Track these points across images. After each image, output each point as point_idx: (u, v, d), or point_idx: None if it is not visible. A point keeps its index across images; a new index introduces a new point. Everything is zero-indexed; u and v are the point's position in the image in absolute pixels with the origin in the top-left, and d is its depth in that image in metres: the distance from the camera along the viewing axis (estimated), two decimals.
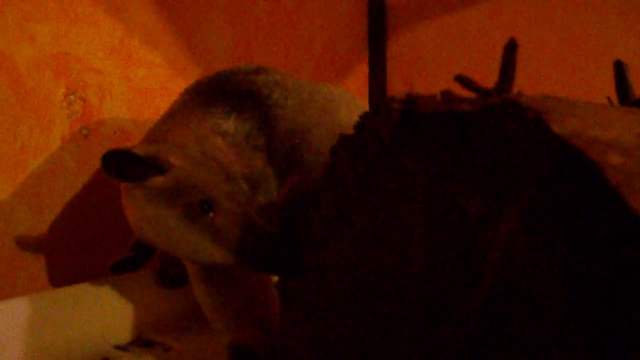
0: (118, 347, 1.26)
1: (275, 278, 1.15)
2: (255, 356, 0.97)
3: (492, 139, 0.62)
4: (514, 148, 0.61)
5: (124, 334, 1.29)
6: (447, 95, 0.71)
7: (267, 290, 1.13)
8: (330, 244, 0.84)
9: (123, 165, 0.92)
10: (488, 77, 0.77)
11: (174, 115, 1.13)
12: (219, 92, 1.11)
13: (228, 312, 1.09)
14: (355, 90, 2.12)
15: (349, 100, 1.20)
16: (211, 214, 0.92)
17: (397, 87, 2.17)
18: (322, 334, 0.85)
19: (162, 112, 1.62)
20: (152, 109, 1.58)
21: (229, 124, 1.07)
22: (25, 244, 1.37)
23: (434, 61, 2.10)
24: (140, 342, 1.28)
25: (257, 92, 1.10)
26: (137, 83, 1.55)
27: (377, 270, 0.76)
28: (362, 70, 2.17)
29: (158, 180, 0.93)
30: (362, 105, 1.23)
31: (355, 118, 0.77)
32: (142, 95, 1.56)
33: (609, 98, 0.93)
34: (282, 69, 1.28)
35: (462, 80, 0.72)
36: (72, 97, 1.43)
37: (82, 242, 1.44)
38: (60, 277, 1.41)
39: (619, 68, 0.93)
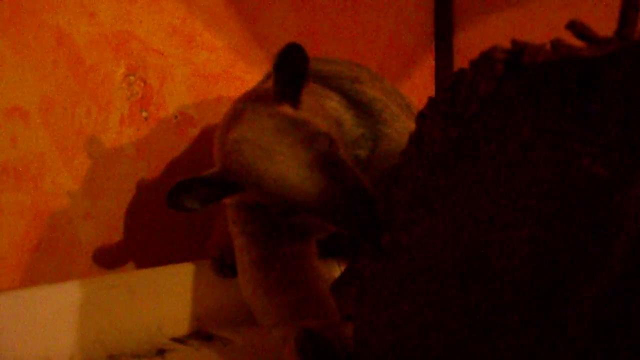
0: (175, 340, 1.19)
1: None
2: (327, 344, 0.88)
3: (625, 85, 0.52)
4: None
5: (182, 326, 1.22)
6: (558, 43, 0.61)
7: (323, 282, 1.08)
8: (415, 224, 0.75)
9: (291, 61, 0.94)
10: None
11: None
12: (331, 88, 1.14)
13: (288, 300, 1.03)
14: (421, 85, 2.03)
15: None
16: (327, 148, 0.92)
17: None
18: (404, 326, 0.76)
19: (224, 98, 1.57)
20: (214, 93, 1.51)
21: (347, 118, 1.10)
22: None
23: None
24: (200, 335, 1.21)
25: (370, 105, 1.14)
26: (199, 66, 1.49)
27: (475, 251, 0.66)
28: (428, 64, 2.08)
29: (288, 109, 0.96)
30: None
31: None
32: (204, 79, 1.50)
33: None
34: (382, 78, 1.28)
35: (575, 27, 0.62)
36: (132, 78, 1.37)
37: (140, 229, 1.38)
38: (117, 263, 1.35)
39: None
